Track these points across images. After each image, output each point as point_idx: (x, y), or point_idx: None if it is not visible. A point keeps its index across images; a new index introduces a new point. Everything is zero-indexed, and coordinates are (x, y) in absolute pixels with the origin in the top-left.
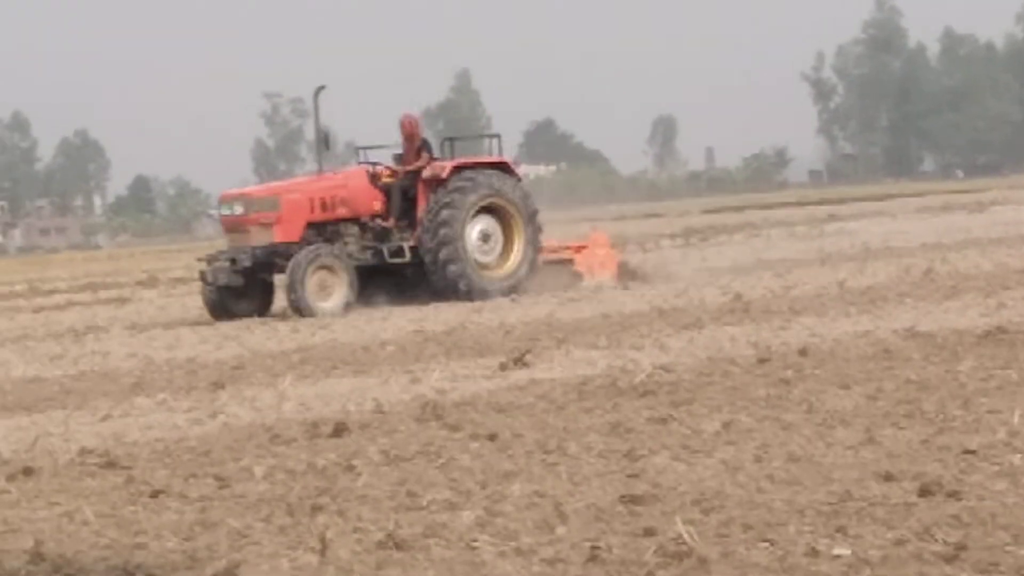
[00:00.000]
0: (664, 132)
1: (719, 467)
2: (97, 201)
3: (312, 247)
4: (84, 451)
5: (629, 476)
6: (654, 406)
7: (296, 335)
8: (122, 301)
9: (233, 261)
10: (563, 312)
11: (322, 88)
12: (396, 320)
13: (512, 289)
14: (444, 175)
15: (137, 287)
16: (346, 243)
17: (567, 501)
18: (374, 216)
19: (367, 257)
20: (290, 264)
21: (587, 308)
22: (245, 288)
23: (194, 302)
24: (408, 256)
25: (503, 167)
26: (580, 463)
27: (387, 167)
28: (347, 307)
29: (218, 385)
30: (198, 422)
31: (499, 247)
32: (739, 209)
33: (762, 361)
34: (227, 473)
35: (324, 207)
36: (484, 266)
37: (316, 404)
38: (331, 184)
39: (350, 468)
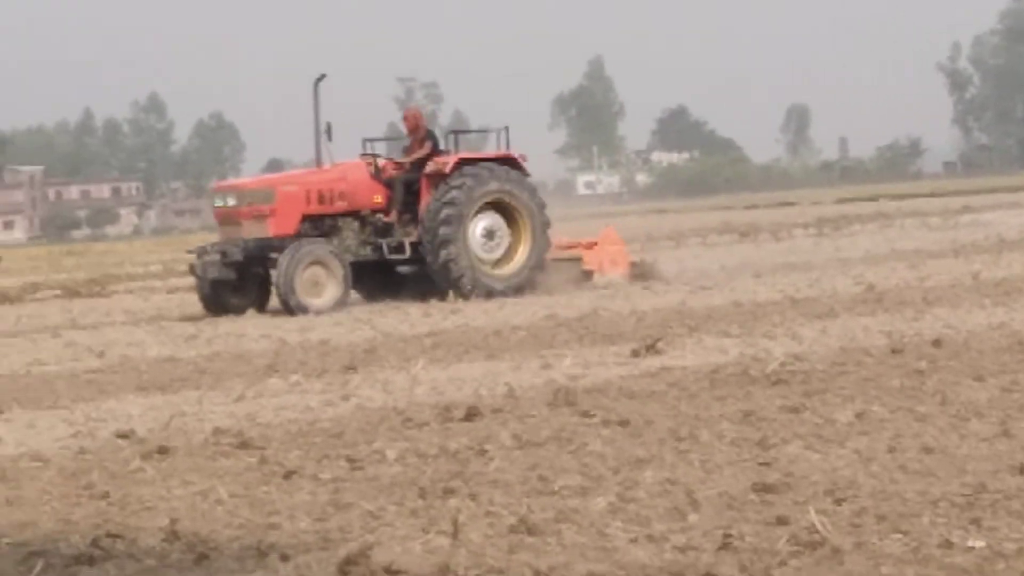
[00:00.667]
0: (797, 121)
1: (852, 457)
2: None
3: (306, 240)
4: (218, 431)
5: (761, 464)
6: (786, 395)
7: (428, 319)
8: None
9: (224, 254)
10: (694, 300)
11: (323, 77)
12: (527, 306)
13: (518, 287)
14: (447, 169)
15: None
16: (344, 238)
17: (699, 489)
18: (375, 210)
19: (367, 252)
20: (281, 258)
21: (718, 296)
22: (240, 282)
23: None
24: (408, 252)
25: (510, 162)
26: (712, 451)
27: (391, 160)
28: (339, 304)
29: (350, 368)
30: (331, 404)
31: (505, 244)
32: (872, 199)
33: (895, 352)
34: (359, 455)
35: (322, 200)
36: (488, 264)
37: (448, 388)
38: (329, 177)
39: (482, 452)
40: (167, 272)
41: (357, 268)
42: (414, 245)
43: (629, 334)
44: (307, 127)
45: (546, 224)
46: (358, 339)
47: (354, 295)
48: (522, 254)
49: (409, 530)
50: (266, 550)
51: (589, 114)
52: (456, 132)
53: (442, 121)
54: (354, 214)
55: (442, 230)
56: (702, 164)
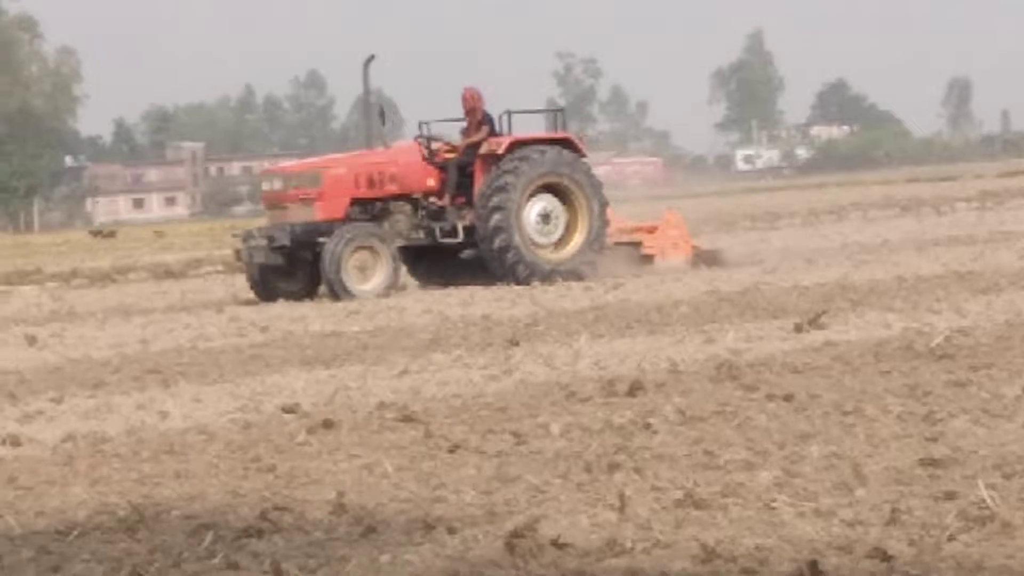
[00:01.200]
0: (959, 94)
1: (1021, 432)
2: None
3: (353, 225)
4: (382, 405)
5: (928, 439)
6: (952, 370)
7: (589, 293)
8: None
9: (270, 239)
10: (857, 274)
11: (372, 58)
12: (689, 280)
13: (575, 273)
14: (500, 151)
15: None
16: (395, 222)
17: (865, 463)
18: (428, 194)
19: (419, 236)
20: (328, 243)
21: (881, 271)
22: (290, 267)
23: None
24: (461, 236)
25: (566, 143)
26: (877, 425)
27: (446, 143)
28: (388, 290)
29: (513, 342)
30: (494, 378)
31: (561, 228)
32: None
33: None
34: (524, 429)
35: (371, 183)
36: (544, 248)
37: (611, 362)
38: (380, 159)
39: (647, 426)
40: None
41: (415, 253)
42: (468, 229)
43: (791, 308)
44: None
45: (604, 206)
46: (520, 314)
47: (410, 281)
48: (579, 238)
49: (575, 504)
50: (433, 523)
51: (748, 88)
52: (510, 112)
53: (601, 96)
54: (406, 197)
55: (495, 215)
56: (862, 138)
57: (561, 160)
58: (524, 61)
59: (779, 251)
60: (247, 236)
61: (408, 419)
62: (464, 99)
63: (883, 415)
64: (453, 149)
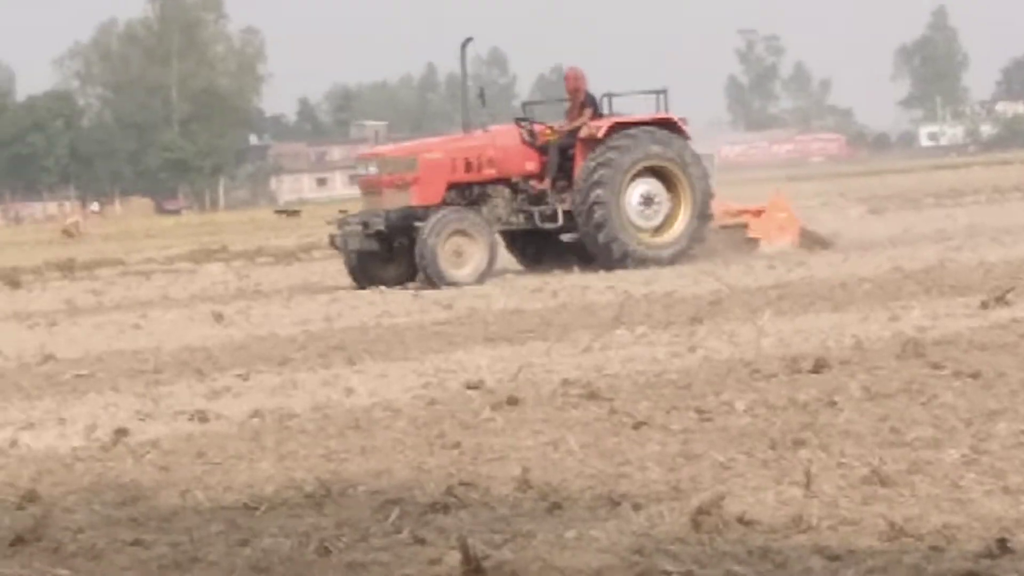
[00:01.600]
0: None
1: None
2: None
3: (448, 210)
4: (566, 382)
5: None
6: None
7: (772, 272)
8: None
9: (365, 225)
10: None
11: (469, 40)
12: (873, 258)
13: (676, 257)
14: (600, 134)
15: None
16: (494, 206)
17: None
18: (527, 177)
19: (519, 221)
20: (422, 228)
21: None
22: (388, 253)
23: None
24: (561, 220)
25: (670, 125)
26: None
27: (547, 125)
28: (484, 276)
29: (696, 319)
30: (677, 355)
31: (664, 212)
32: None
33: None
34: (708, 406)
35: (468, 167)
36: (645, 231)
37: (795, 340)
38: (477, 143)
39: (831, 404)
40: None
41: (520, 238)
42: (568, 213)
43: (977, 286)
44: (648, 79)
45: (708, 192)
46: (703, 291)
47: (516, 266)
48: (681, 222)
49: (760, 481)
50: (618, 499)
51: (932, 65)
52: (610, 95)
53: (783, 73)
54: (505, 181)
55: (595, 192)
56: None
57: (666, 142)
58: (706, 39)
59: (964, 228)
60: (342, 222)
61: (592, 396)
62: (567, 79)
63: None
64: (554, 132)
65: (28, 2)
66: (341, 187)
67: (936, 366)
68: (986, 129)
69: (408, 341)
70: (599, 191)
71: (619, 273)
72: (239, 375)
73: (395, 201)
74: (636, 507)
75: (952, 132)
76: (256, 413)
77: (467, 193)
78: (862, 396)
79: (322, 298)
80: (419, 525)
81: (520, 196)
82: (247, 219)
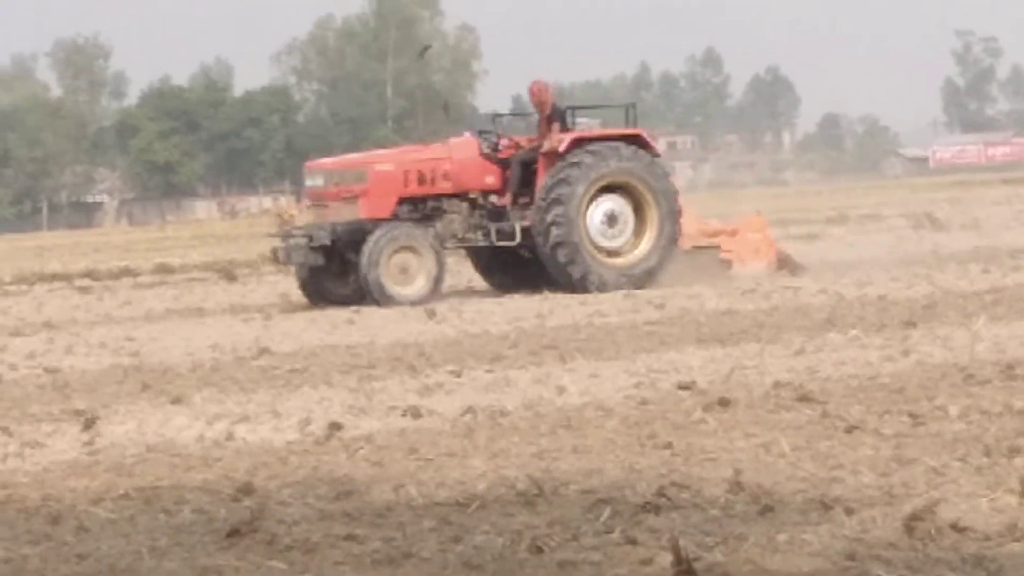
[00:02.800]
0: None
1: None
2: (786, 138)
3: (396, 224)
4: (778, 384)
5: None
6: None
7: (988, 276)
8: (811, 237)
9: (310, 238)
10: None
11: (427, 48)
12: None
13: (641, 280)
14: (563, 148)
15: (826, 224)
16: (449, 222)
17: None
18: (487, 192)
19: (476, 237)
20: (366, 243)
21: None
22: (340, 268)
23: (882, 239)
24: (519, 238)
25: (637, 140)
26: None
27: (509, 139)
28: (431, 295)
29: (909, 323)
30: (890, 359)
31: (629, 231)
32: None
33: None
34: (921, 411)
35: (422, 181)
36: (609, 252)
37: (1011, 345)
38: (432, 155)
39: None
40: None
41: (485, 256)
42: (526, 231)
43: None
44: (862, 80)
45: (677, 211)
46: (916, 295)
47: (484, 285)
48: (647, 243)
49: (974, 488)
50: (830, 503)
51: None
52: (573, 107)
53: (1000, 75)
54: (462, 196)
55: (553, 210)
56: None
57: (631, 158)
58: (923, 40)
59: None
60: (286, 235)
61: (804, 398)
62: (531, 93)
63: None
64: (519, 147)
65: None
66: None
67: None
68: None
69: (620, 340)
70: (558, 209)
71: (831, 275)
72: (451, 371)
73: (343, 214)
74: (848, 511)
75: None
76: (468, 410)
77: (420, 207)
78: None
79: (535, 296)
80: (630, 525)
81: (478, 212)
82: None
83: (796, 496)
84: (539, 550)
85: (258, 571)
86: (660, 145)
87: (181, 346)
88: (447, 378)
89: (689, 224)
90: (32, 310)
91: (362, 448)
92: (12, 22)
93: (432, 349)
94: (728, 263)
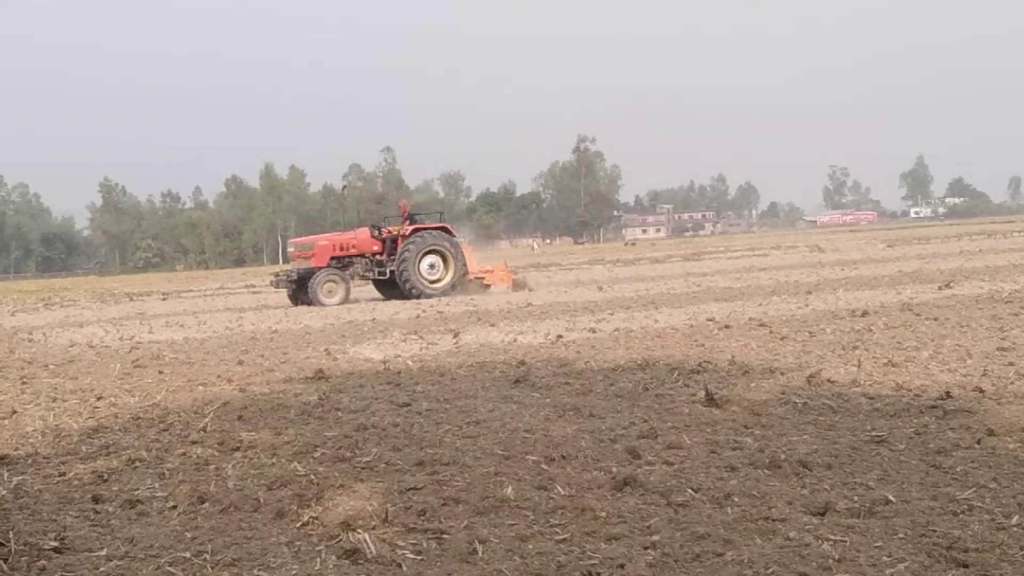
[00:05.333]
0: None
1: None
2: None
3: (329, 269)
4: (751, 319)
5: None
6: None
7: (844, 270)
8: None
9: (288, 274)
10: None
11: (346, 186)
12: None
13: (445, 294)
14: (407, 233)
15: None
16: (355, 269)
17: None
18: (374, 254)
19: (370, 275)
20: (313, 278)
21: None
22: (302, 288)
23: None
24: (388, 275)
25: (445, 229)
26: None
27: (386, 228)
28: (342, 302)
29: (808, 293)
30: (799, 308)
31: (439, 272)
32: None
33: None
34: (814, 331)
35: (344, 249)
36: (432, 281)
37: (853, 301)
38: (347, 237)
39: None
40: None
41: (376, 282)
42: (391, 272)
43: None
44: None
45: (463, 262)
46: (808, 279)
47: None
48: (448, 278)
49: (837, 364)
50: (773, 370)
51: None
52: (413, 215)
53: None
54: (363, 256)
55: (403, 265)
56: None
57: (441, 238)
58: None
59: None
60: (278, 274)
61: (762, 325)
62: (401, 207)
63: None
64: (388, 232)
65: None
66: (654, 234)
67: None
68: None
69: (668, 301)
70: (404, 264)
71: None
72: (608, 313)
73: (304, 264)
74: (782, 374)
75: None
76: (616, 329)
77: (343, 261)
78: None
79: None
80: (686, 379)
81: (368, 263)
82: (612, 247)
83: (756, 367)
84: (646, 389)
85: (527, 397)
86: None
87: (494, 302)
88: (607, 316)
89: (475, 266)
90: None
91: (571, 345)
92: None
93: (604, 304)
94: (488, 286)
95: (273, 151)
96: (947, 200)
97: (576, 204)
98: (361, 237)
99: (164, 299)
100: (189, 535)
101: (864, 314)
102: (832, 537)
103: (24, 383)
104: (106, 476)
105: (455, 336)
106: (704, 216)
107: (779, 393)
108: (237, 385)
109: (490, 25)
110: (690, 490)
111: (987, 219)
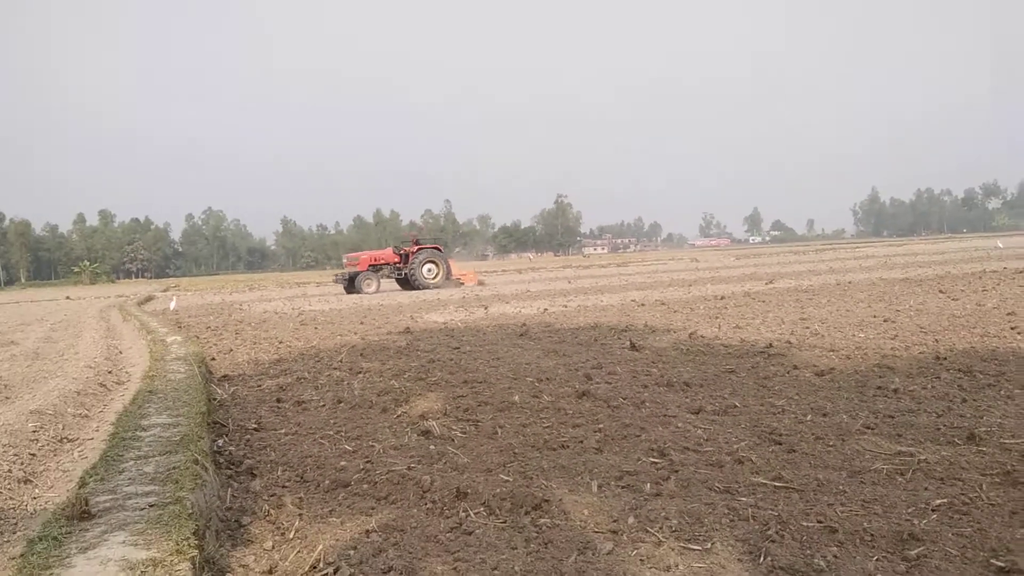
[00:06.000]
0: None
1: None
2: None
3: (368, 272)
4: (658, 300)
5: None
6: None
7: (745, 271)
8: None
9: (344, 275)
10: None
11: (420, 227)
12: None
13: (438, 287)
14: (414, 251)
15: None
16: (384, 272)
17: None
18: (395, 264)
19: (392, 276)
20: (359, 276)
21: None
22: (351, 283)
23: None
24: (404, 276)
25: (438, 248)
26: None
27: (404, 248)
28: (377, 291)
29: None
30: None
31: (435, 273)
32: None
33: None
34: (693, 307)
35: (376, 260)
36: (430, 279)
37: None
38: (381, 253)
39: None
40: None
41: (397, 282)
42: (407, 274)
43: None
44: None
45: (448, 268)
46: (691, 277)
47: (393, 286)
48: (440, 277)
49: (708, 327)
50: (671, 330)
51: None
52: (421, 238)
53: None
54: (388, 264)
55: (412, 269)
56: None
57: (435, 253)
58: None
59: None
60: (337, 273)
61: (661, 303)
62: (411, 237)
63: None
64: (403, 250)
65: None
66: (601, 251)
67: None
68: None
69: (611, 287)
70: (412, 269)
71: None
72: (574, 296)
73: (353, 268)
74: (673, 332)
75: None
76: (581, 305)
77: (377, 267)
78: None
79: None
80: (619, 335)
81: (391, 269)
82: (576, 259)
83: (659, 328)
84: (595, 340)
85: (527, 344)
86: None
87: (509, 290)
88: (573, 298)
89: (456, 271)
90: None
91: (553, 314)
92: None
93: (571, 291)
94: (462, 283)
95: (380, 199)
96: (771, 232)
97: (556, 233)
98: (389, 253)
99: (318, 286)
100: (332, 421)
101: (722, 298)
102: (703, 426)
103: (236, 334)
104: (284, 388)
105: (485, 309)
106: (630, 240)
107: (673, 343)
108: (360, 335)
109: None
110: (621, 399)
111: (794, 244)
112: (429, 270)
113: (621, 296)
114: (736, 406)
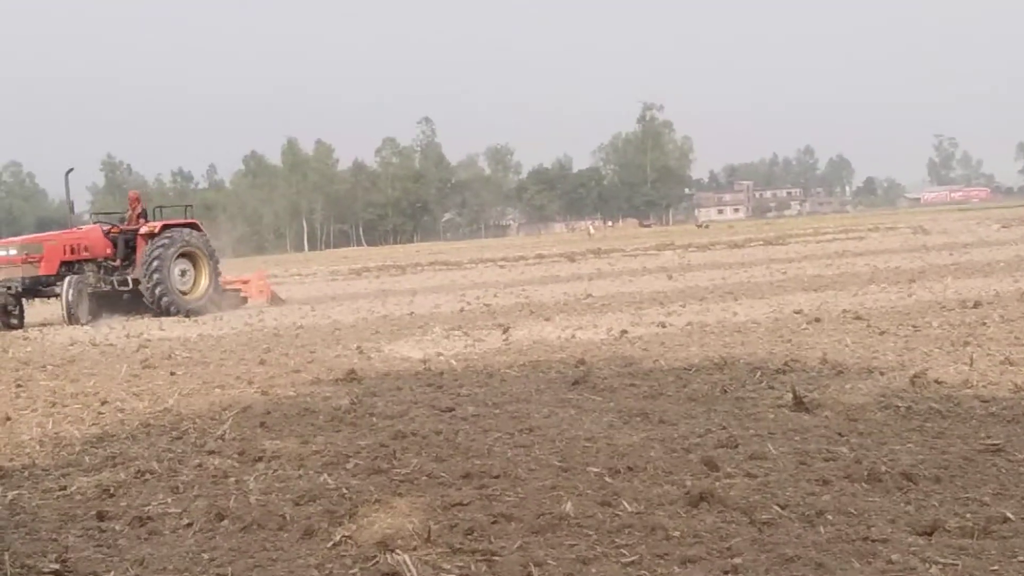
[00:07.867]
0: None
1: None
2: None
3: (77, 277)
4: (845, 311)
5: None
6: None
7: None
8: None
9: (8, 287)
10: None
11: (71, 170)
12: None
13: (202, 308)
14: (156, 231)
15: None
16: (87, 276)
17: None
18: (106, 258)
19: (103, 286)
20: (63, 284)
21: None
22: (16, 305)
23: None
24: (131, 285)
25: (195, 226)
26: None
27: (114, 225)
28: (88, 322)
29: (911, 281)
30: (900, 299)
31: (191, 280)
32: None
33: None
34: (918, 324)
35: (73, 251)
36: (183, 292)
37: (967, 290)
38: (77, 236)
39: None
40: None
41: (104, 295)
42: (135, 280)
43: None
44: None
45: (217, 265)
46: (911, 266)
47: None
48: (202, 286)
49: (946, 362)
50: (872, 369)
51: None
52: (160, 207)
53: None
54: (94, 260)
55: (155, 274)
56: None
57: (192, 237)
58: None
59: None
60: None
61: (858, 318)
62: (131, 200)
63: None
64: (119, 230)
65: None
66: (732, 214)
67: None
68: None
69: (761, 289)
70: (158, 273)
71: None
72: (681, 304)
73: (28, 272)
74: (881, 374)
75: None
76: (688, 323)
77: (72, 267)
78: None
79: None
80: (771, 380)
81: (102, 270)
82: (683, 229)
83: (850, 365)
84: (724, 391)
85: (588, 402)
86: None
87: (549, 294)
88: (678, 308)
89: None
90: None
91: (638, 341)
92: None
93: (672, 294)
94: (245, 299)
95: (296, 125)
96: None
97: (642, 181)
98: (94, 236)
99: None
100: (206, 556)
101: (977, 305)
102: (941, 560)
103: (18, 386)
104: (113, 491)
105: (504, 332)
106: (790, 194)
107: (879, 396)
108: (259, 387)
109: None
110: (776, 506)
111: None
112: (183, 272)
113: (773, 303)
114: (1008, 519)
